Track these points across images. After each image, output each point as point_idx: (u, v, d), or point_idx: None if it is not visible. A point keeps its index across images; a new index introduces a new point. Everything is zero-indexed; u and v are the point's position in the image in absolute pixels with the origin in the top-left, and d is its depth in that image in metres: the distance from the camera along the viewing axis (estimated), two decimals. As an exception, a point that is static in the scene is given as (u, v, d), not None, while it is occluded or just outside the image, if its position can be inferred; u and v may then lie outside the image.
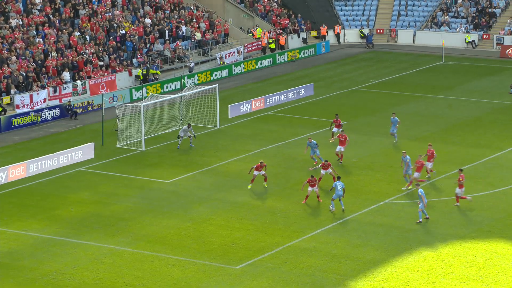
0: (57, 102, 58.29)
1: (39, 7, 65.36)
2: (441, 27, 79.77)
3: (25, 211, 40.90)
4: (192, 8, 75.02)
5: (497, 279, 33.22)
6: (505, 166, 46.28)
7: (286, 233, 37.86)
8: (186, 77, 64.63)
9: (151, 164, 47.55)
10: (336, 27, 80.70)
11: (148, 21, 69.88)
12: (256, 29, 76.30)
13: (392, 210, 40.25)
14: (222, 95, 57.60)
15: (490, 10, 79.88)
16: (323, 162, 42.94)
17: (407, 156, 42.87)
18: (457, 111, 57.56)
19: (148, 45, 67.56)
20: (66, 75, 60.37)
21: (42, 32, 63.16)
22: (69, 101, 57.70)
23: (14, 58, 59.15)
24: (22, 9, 64.72)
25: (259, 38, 75.13)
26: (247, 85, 66.16)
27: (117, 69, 63.74)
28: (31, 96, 57.23)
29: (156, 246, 36.54)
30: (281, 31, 77.42)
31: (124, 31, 67.02)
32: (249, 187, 43.06)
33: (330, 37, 80.00)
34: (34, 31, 62.85)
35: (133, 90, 61.68)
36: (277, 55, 73.59)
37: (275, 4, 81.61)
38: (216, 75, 67.90)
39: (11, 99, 56.83)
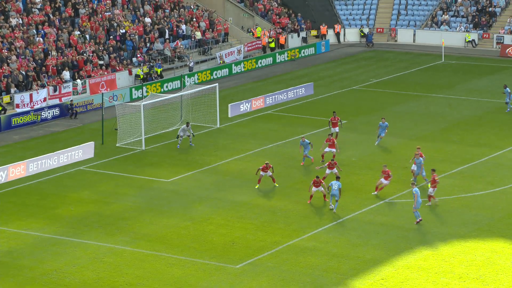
0: (57, 101, 58.29)
1: (39, 6, 65.37)
2: (441, 26, 79.77)
3: (25, 210, 40.91)
4: (192, 7, 75.02)
5: (497, 278, 33.23)
6: (505, 165, 46.28)
7: (286, 232, 37.87)
8: (186, 76, 64.63)
9: (151, 163, 47.56)
10: (336, 26, 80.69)
11: (148, 20, 69.89)
12: (256, 28, 76.31)
13: (392, 209, 40.25)
14: (222, 94, 57.61)
15: (490, 9, 79.88)
16: (330, 161, 42.89)
17: (421, 158, 42.54)
18: (457, 110, 57.57)
19: (148, 44, 67.57)
20: (66, 74, 60.37)
21: (42, 31, 63.18)
22: (71, 101, 57.70)
23: (14, 57, 59.16)
24: (22, 8, 64.72)
25: (259, 37, 75.13)
26: (247, 84, 66.17)
27: (117, 68, 63.74)
28: (31, 95, 57.24)
29: (156, 245, 36.55)
30: (281, 30, 77.41)
31: (124, 30, 67.02)
32: (256, 187, 43.01)
33: (330, 36, 80.00)
34: (34, 30, 62.85)
35: (133, 89, 61.68)
36: (277, 54, 73.60)
37: (275, 3, 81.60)
38: (216, 74, 67.91)
39: (11, 98, 56.84)
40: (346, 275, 33.56)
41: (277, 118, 56.18)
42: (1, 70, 57.94)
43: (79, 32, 64.80)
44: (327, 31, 79.64)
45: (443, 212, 40.08)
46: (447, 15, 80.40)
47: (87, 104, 59.00)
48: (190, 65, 67.49)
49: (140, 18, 69.96)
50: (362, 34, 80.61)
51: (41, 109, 56.56)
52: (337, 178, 40.71)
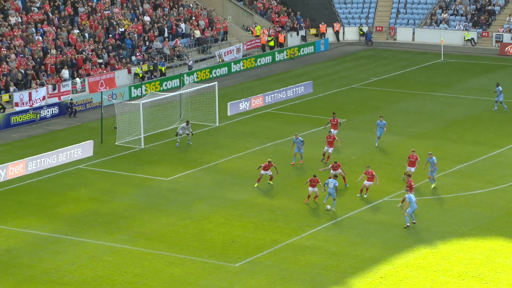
0: (56, 99, 58.29)
1: (38, 5, 65.34)
2: (440, 24, 79.78)
3: (24, 208, 40.91)
4: (191, 5, 75.00)
5: (496, 276, 33.25)
6: (503, 164, 46.30)
7: (285, 230, 37.87)
8: (185, 75, 64.63)
9: (150, 161, 47.56)
10: (335, 24, 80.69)
11: (147, 18, 69.88)
12: (255, 27, 76.30)
13: (391, 208, 40.24)
14: (221, 93, 57.61)
15: (489, 7, 79.88)
16: (333, 163, 42.81)
17: (433, 157, 42.45)
18: (456, 109, 57.58)
19: (147, 43, 67.56)
20: (65, 72, 60.36)
21: (41, 29, 63.16)
22: (71, 99, 57.71)
23: (13, 56, 59.14)
24: (21, 6, 64.69)
25: (258, 36, 75.13)
26: (246, 82, 66.17)
27: (116, 67, 63.73)
28: (30, 94, 57.23)
29: (155, 244, 36.55)
30: (280, 28, 77.40)
31: (123, 29, 67.01)
32: (255, 185, 42.99)
33: (329, 34, 79.99)
34: (33, 29, 62.83)
35: (132, 87, 61.67)
36: (276, 52, 73.60)
37: (274, 1, 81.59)
38: (215, 73, 67.91)
39: (10, 96, 56.83)
40: (345, 274, 33.57)
41: (276, 117, 56.19)
42: (0, 69, 57.91)
43: (78, 31, 64.78)
44: (326, 29, 79.63)
45: (442, 210, 40.09)
46: (446, 14, 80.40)
47: (86, 103, 58.99)
48: (189, 63, 67.48)
49: (139, 17, 69.94)
50: (361, 32, 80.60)
51: (40, 107, 56.55)
52: (335, 176, 40.65)
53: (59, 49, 62.13)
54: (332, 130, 48.25)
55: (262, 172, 42.91)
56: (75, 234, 37.66)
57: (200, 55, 70.59)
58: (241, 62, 70.27)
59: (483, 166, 45.88)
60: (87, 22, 66.22)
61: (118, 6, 69.88)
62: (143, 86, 61.37)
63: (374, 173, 41.09)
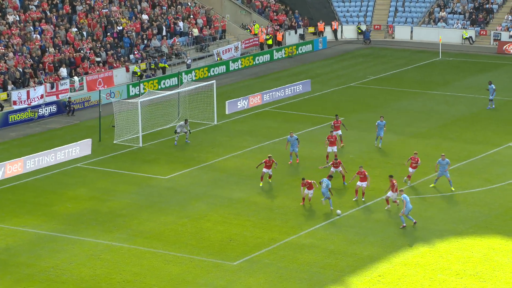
0: (54, 98, 58.26)
1: (36, 3, 65.29)
2: (438, 23, 79.80)
3: (22, 207, 40.90)
4: (189, 4, 74.98)
5: (494, 274, 33.27)
6: (502, 162, 46.33)
7: (284, 229, 37.88)
8: (183, 73, 64.61)
9: (149, 160, 47.55)
10: (333, 23, 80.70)
11: (145, 17, 69.85)
12: (254, 25, 76.29)
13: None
14: (219, 91, 57.59)
15: (487, 6, 79.91)
16: (334, 160, 42.73)
17: (446, 159, 42.18)
18: (454, 107, 57.60)
19: (145, 41, 67.53)
20: (63, 71, 60.32)
21: (39, 28, 63.12)
22: (69, 97, 57.69)
23: (11, 54, 59.10)
24: (19, 5, 64.65)
25: (256, 34, 75.13)
26: (244, 81, 66.16)
27: (114, 65, 63.71)
28: (28, 92, 57.21)
29: (154, 242, 36.55)
30: (278, 27, 77.40)
31: (121, 27, 66.98)
32: (260, 185, 42.84)
33: (328, 33, 80.00)
34: (31, 27, 62.79)
35: (131, 86, 61.66)
36: (274, 51, 73.59)
37: (272, 0, 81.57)
38: (213, 71, 67.90)
39: (8, 95, 56.81)
40: (343, 272, 33.58)
41: (274, 115, 56.18)
42: (-2, 67, 57.94)
43: (76, 29, 64.74)
44: (324, 28, 79.65)
45: (440, 208, 40.11)
46: (444, 12, 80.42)
47: (84, 101, 58.97)
48: (188, 62, 67.46)
49: (138, 15, 69.92)
50: (359, 31, 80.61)
51: (38, 106, 56.52)
52: (329, 177, 40.38)
53: (57, 48, 62.10)
54: (335, 131, 47.71)
55: (264, 170, 42.65)
56: (73, 233, 37.65)
57: (198, 54, 70.57)
58: (239, 60, 70.27)
59: (481, 165, 45.91)
60: (85, 20, 66.18)
61: (116, 5, 69.84)
62: (141, 85, 61.34)
63: (366, 173, 40.59)
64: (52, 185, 43.87)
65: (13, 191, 43.07)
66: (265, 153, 47.43)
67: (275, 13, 79.63)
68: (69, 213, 40.00)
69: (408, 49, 76.20)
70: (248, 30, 76.02)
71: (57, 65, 60.64)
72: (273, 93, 59.12)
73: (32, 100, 57.19)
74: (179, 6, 73.58)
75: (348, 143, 49.37)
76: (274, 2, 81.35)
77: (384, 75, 66.97)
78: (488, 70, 68.15)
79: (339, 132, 48.26)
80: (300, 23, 79.49)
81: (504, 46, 74.69)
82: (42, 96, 57.81)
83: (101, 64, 63.05)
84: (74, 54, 62.06)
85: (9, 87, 57.25)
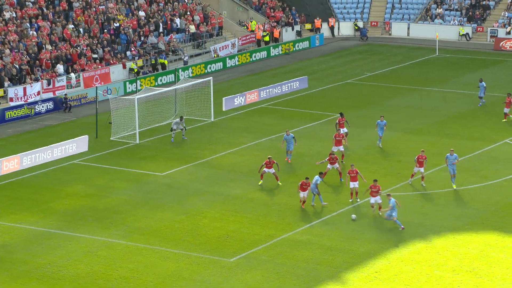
0: (51, 95, 58.20)
1: (32, 0, 65.20)
2: (435, 19, 79.80)
3: (19, 204, 40.87)
4: (186, 0, 74.92)
5: (490, 271, 33.30)
6: (498, 159, 46.36)
7: (280, 225, 37.89)
8: (180, 70, 64.57)
9: (145, 157, 47.53)
10: (330, 20, 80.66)
11: (142, 13, 69.78)
12: (251, 22, 76.24)
13: (386, 202, 40.19)
14: (216, 88, 57.57)
15: (484, 2, 79.91)
16: (330, 156, 42.60)
17: (455, 154, 41.95)
18: (451, 104, 57.61)
19: (142, 38, 67.46)
20: (60, 68, 60.26)
21: (36, 24, 63.04)
22: (66, 94, 57.65)
23: (7, 51, 59.03)
24: (15, 1, 64.54)
25: (253, 31, 75.08)
26: (241, 78, 66.13)
27: (111, 62, 63.65)
28: (24, 89, 57.14)
29: (150, 239, 36.54)
30: (275, 24, 77.36)
31: (118, 24, 66.92)
32: (259, 183, 42.74)
33: (324, 30, 79.96)
34: (28, 24, 62.71)
35: (127, 83, 61.60)
36: (271, 48, 73.55)
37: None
38: (210, 68, 67.85)
39: (4, 92, 56.74)
40: (340, 268, 33.60)
41: (271, 112, 56.17)
42: (-5, 64, 57.87)
43: (73, 26, 64.68)
44: (321, 24, 79.60)
45: (437, 205, 40.14)
46: (441, 9, 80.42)
47: (81, 98, 58.92)
48: (185, 59, 67.41)
49: (134, 12, 69.85)
50: (356, 27, 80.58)
51: (35, 102, 56.47)
52: (320, 174, 40.11)
53: (54, 44, 62.03)
54: (340, 129, 47.50)
55: (265, 170, 42.32)
56: (70, 229, 37.64)
57: (195, 50, 70.51)
58: (236, 57, 70.23)
59: (478, 161, 45.94)
60: (82, 17, 66.11)
61: (112, 1, 69.77)
62: (138, 81, 61.29)
63: (358, 172, 40.01)
64: (49, 181, 43.85)
65: (10, 188, 43.04)
66: (262, 149, 47.45)
67: (272, 10, 79.59)
68: (65, 210, 39.98)
69: (405, 46, 76.20)
70: (245, 27, 75.98)
71: (53, 61, 60.58)
72: (270, 90, 59.10)
73: (29, 97, 57.13)
74: (176, 3, 73.52)
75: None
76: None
77: (381, 72, 66.97)
78: (484, 67, 68.17)
79: (345, 129, 47.85)
80: (297, 19, 79.46)
81: (501, 43, 74.71)
82: (38, 93, 57.75)
83: (97, 60, 63.00)
84: (71, 51, 62.00)
85: (6, 84, 57.19)
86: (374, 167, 44.81)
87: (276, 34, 75.95)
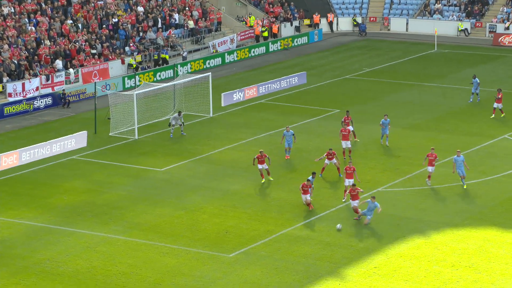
0: (49, 90, 58.17)
1: (31, -5, 65.22)
2: (433, 15, 79.78)
3: (17, 199, 40.87)
4: (184, -4, 74.89)
5: (489, 266, 33.34)
6: (497, 154, 46.39)
7: (279, 221, 37.91)
8: (179, 66, 64.55)
9: (144, 152, 47.53)
10: (329, 15, 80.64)
11: (140, 9, 69.73)
12: (249, 17, 76.21)
13: (385, 198, 40.27)
14: (215, 84, 57.56)
15: (482, -2, 79.97)
16: (328, 151, 42.57)
17: (462, 155, 41.71)
18: (450, 99, 57.64)
19: (140, 34, 67.42)
20: (59, 63, 60.23)
21: (34, 20, 62.99)
22: (63, 90, 57.63)
23: (6, 46, 58.99)
24: (14, -3, 64.56)
25: (252, 27, 75.06)
26: (240, 73, 66.11)
27: (110, 57, 63.62)
28: (23, 85, 57.12)
29: (149, 235, 36.56)
30: (274, 19, 77.32)
31: (116, 19, 66.86)
32: (262, 181, 42.51)
33: (323, 25, 79.94)
34: (26, 19, 62.66)
35: (126, 78, 61.59)
36: (270, 43, 73.53)
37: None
38: (209, 63, 67.84)
39: (3, 87, 56.71)
40: (339, 264, 33.63)
41: (270, 107, 56.17)
42: (-7, 59, 57.83)
43: (71, 21, 64.63)
44: (320, 20, 79.58)
45: (436, 200, 40.17)
46: (440, 4, 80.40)
47: (79, 93, 58.90)
48: (184, 54, 67.38)
49: (133, 7, 69.79)
50: (355, 23, 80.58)
51: (34, 98, 56.45)
52: (313, 173, 39.86)
53: (53, 40, 61.99)
54: (346, 127, 47.35)
55: (259, 166, 42.27)
56: (69, 225, 37.64)
57: (193, 46, 70.48)
58: (235, 52, 70.21)
59: (477, 157, 45.96)
60: (81, 12, 66.06)
61: (111, -3, 69.74)
62: (136, 77, 61.27)
63: (355, 169, 39.56)
64: (48, 177, 43.85)
65: (9, 183, 43.04)
66: (261, 145, 47.43)
67: (270, 5, 79.55)
68: (64, 205, 39.98)
69: (403, 41, 76.19)
70: (244, 22, 75.94)
71: (52, 57, 60.54)
72: (269, 85, 59.10)
73: (28, 92, 57.11)
74: (174, -2, 73.51)
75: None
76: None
77: (380, 67, 66.97)
78: (483, 62, 68.18)
79: (351, 127, 47.64)
80: (295, 15, 79.42)
81: (500, 38, 74.71)
82: (37, 88, 57.72)
83: (96, 56, 62.96)
84: (70, 46, 61.97)
85: (4, 79, 57.15)
86: (373, 163, 44.83)
87: (274, 29, 75.93)
